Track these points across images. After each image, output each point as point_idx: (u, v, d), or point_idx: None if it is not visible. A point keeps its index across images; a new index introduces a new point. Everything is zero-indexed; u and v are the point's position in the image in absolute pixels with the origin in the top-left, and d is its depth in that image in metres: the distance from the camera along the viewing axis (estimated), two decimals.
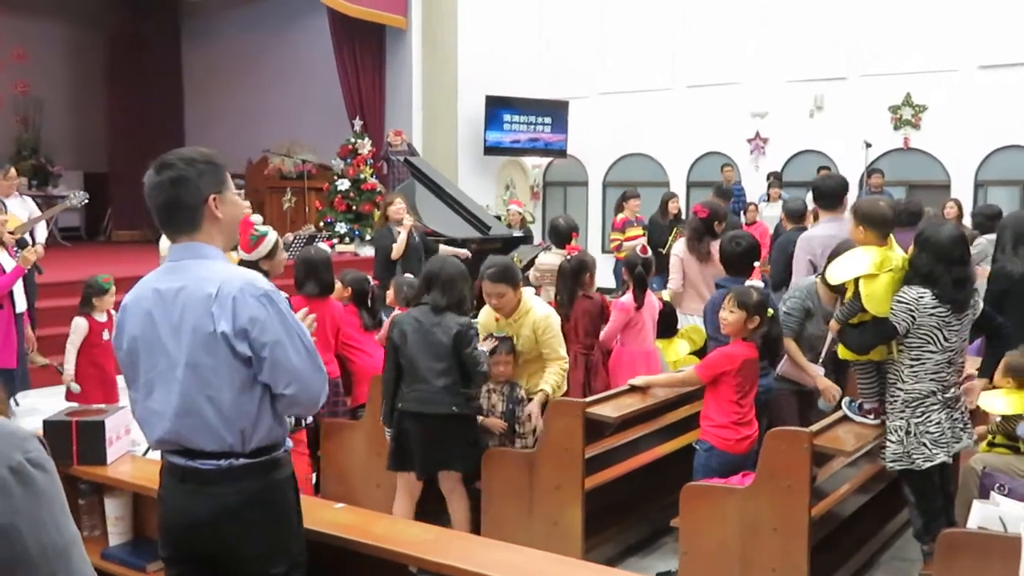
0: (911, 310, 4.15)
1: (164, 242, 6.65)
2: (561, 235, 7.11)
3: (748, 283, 5.17)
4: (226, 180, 2.70)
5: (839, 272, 4.37)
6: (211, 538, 2.64)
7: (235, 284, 2.55)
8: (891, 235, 4.38)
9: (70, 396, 5.99)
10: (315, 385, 2.66)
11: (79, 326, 6.13)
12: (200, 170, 2.62)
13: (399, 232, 8.29)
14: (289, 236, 10.66)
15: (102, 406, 4.14)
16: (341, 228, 13.44)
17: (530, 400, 4.94)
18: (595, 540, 4.80)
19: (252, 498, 2.63)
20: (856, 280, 4.26)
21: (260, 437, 2.62)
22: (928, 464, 4.23)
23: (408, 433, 4.61)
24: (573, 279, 5.68)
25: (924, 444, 4.22)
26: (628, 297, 6.02)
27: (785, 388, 5.03)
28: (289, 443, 2.80)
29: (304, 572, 2.78)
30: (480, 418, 4.76)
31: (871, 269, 4.20)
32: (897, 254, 4.29)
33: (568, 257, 6.02)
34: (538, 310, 4.99)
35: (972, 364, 4.93)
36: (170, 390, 2.60)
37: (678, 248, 6.74)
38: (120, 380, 6.48)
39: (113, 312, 6.01)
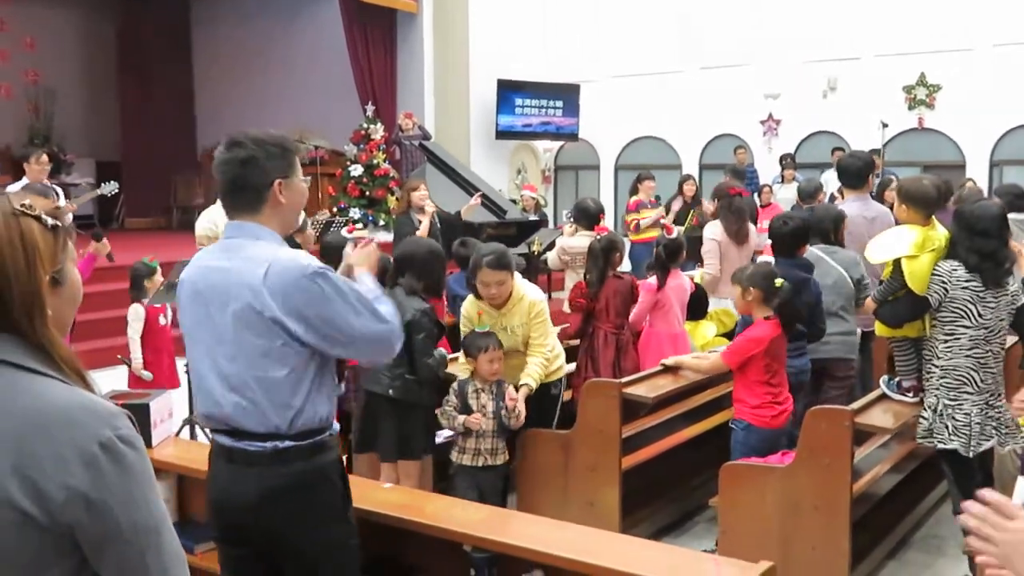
0: (944, 282, 4.12)
1: (206, 220, 6.57)
2: (591, 216, 7.06)
3: (760, 259, 5.23)
4: (295, 165, 2.69)
5: (879, 252, 4.36)
6: (256, 520, 2.64)
7: (283, 264, 2.55)
8: (934, 215, 4.35)
9: (138, 384, 5.87)
10: (384, 338, 2.66)
11: (138, 313, 5.98)
12: (270, 152, 2.63)
13: (420, 220, 8.25)
14: (306, 221, 10.64)
15: (147, 390, 4.15)
16: (355, 214, 13.44)
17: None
18: (629, 521, 4.81)
19: (297, 481, 2.62)
20: (896, 259, 4.25)
21: (307, 419, 2.62)
22: (942, 446, 4.19)
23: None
24: (604, 259, 5.65)
25: (946, 427, 4.17)
26: (653, 278, 6.02)
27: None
28: (336, 426, 2.79)
29: (354, 556, 2.76)
30: (463, 418, 4.41)
31: (912, 250, 4.17)
32: (940, 233, 4.27)
33: (598, 237, 6.00)
34: (531, 295, 4.76)
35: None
36: (219, 368, 2.62)
37: (715, 233, 6.50)
38: (179, 362, 6.44)
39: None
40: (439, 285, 4.63)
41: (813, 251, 5.20)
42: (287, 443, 2.60)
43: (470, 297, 4.76)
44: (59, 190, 7.74)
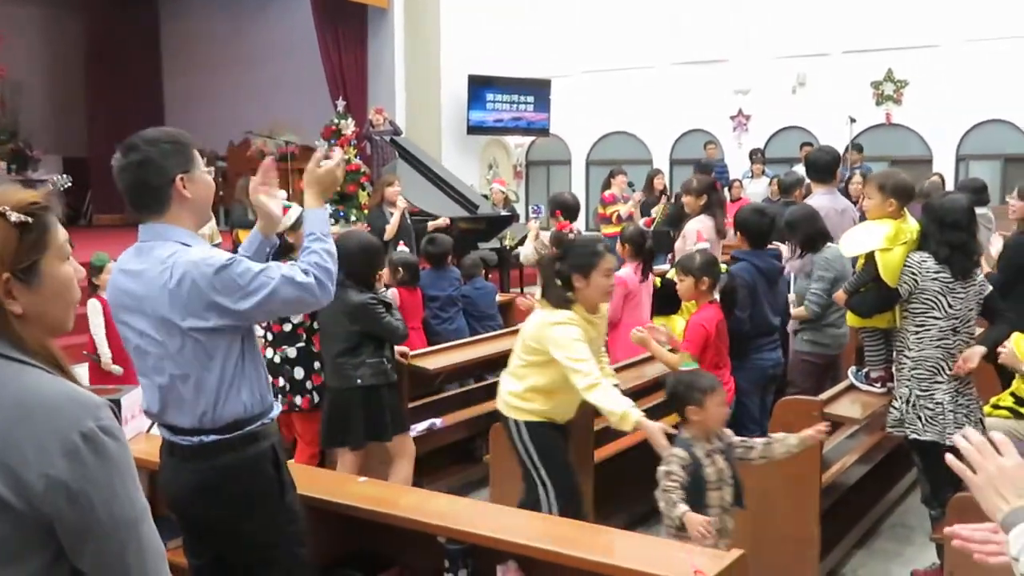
0: (913, 274, 4.15)
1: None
2: (571, 210, 7.08)
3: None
4: (194, 159, 2.68)
5: (852, 246, 4.41)
6: (194, 511, 2.72)
7: (183, 267, 2.54)
8: (905, 207, 4.40)
9: (100, 380, 5.79)
10: (305, 295, 2.63)
11: (95, 307, 5.96)
12: (164, 150, 2.61)
13: (392, 214, 8.34)
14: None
15: (118, 386, 4.12)
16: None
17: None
18: (602, 512, 4.81)
19: (227, 473, 2.65)
20: (869, 252, 4.29)
21: (230, 412, 2.65)
22: (916, 437, 4.23)
23: None
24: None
25: (919, 417, 4.20)
26: (626, 270, 6.02)
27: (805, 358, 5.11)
28: (277, 410, 2.81)
29: (300, 543, 2.79)
30: (682, 510, 3.18)
31: (884, 243, 4.22)
32: (911, 226, 4.31)
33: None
34: None
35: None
36: (148, 367, 2.67)
37: (706, 231, 6.25)
38: None
39: None
40: (366, 278, 4.68)
41: (836, 246, 5.26)
42: (212, 437, 2.64)
43: (567, 314, 3.81)
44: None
